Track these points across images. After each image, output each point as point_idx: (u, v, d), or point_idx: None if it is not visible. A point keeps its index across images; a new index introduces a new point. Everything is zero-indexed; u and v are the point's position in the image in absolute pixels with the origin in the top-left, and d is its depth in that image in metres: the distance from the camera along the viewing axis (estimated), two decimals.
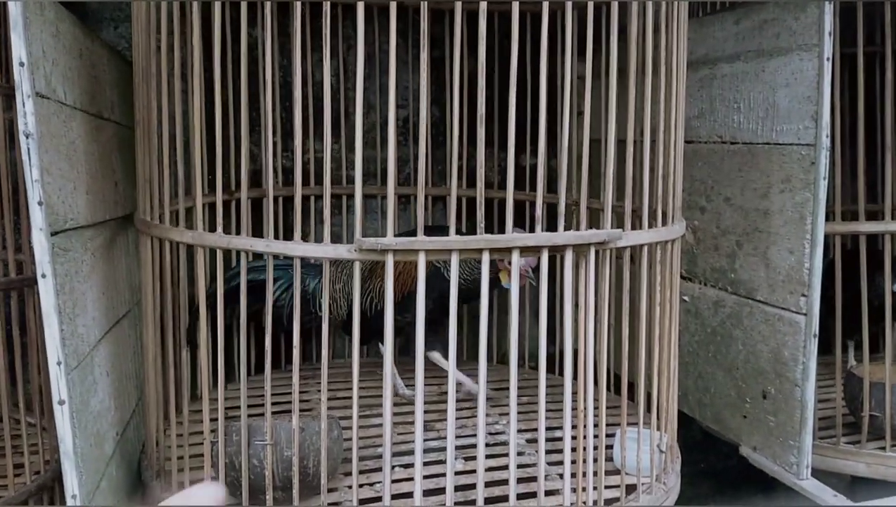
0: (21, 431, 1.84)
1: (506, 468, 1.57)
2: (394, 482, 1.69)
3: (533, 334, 2.44)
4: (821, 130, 1.83)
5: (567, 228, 1.54)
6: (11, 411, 1.84)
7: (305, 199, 2.49)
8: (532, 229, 1.52)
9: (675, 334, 1.85)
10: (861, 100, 2.14)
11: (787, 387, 1.95)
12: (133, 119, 1.78)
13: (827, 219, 1.90)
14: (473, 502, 1.55)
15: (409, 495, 1.56)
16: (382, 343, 2.19)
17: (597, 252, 1.56)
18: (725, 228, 2.16)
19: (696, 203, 2.25)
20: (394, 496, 1.63)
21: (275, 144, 2.47)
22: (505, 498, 1.58)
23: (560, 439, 1.60)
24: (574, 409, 1.55)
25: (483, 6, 1.39)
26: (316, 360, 2.56)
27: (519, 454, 1.81)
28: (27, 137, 1.27)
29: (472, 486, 1.58)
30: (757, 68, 2.02)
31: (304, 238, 1.69)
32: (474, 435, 1.55)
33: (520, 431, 1.89)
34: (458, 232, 1.52)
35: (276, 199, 2.39)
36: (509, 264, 1.49)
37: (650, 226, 1.68)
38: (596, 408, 1.59)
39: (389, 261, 1.45)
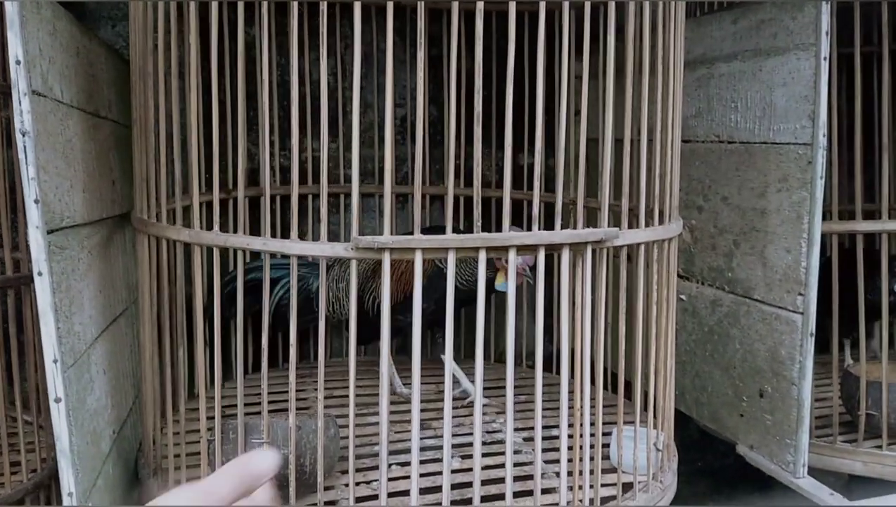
0: (18, 429, 1.84)
1: (502, 466, 1.57)
2: (390, 480, 1.69)
3: (531, 332, 2.45)
4: (818, 129, 1.83)
5: (564, 226, 1.54)
6: (8, 410, 1.84)
7: (304, 198, 2.49)
8: (530, 228, 1.52)
9: (671, 333, 1.85)
10: (858, 100, 2.14)
11: (784, 386, 1.96)
12: (130, 118, 1.78)
13: (824, 218, 1.90)
14: (470, 500, 1.55)
15: (406, 493, 1.56)
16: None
17: (594, 251, 1.56)
18: (723, 227, 2.16)
19: (694, 202, 2.26)
20: (390, 495, 1.64)
21: (272, 142, 2.47)
22: (501, 496, 1.58)
23: (557, 437, 1.60)
24: (570, 407, 1.55)
25: (480, 6, 1.39)
26: (314, 359, 2.56)
27: (516, 452, 1.81)
28: (23, 135, 1.27)
29: (469, 484, 1.58)
30: (754, 68, 2.02)
31: (302, 237, 1.70)
32: (471, 433, 1.55)
33: (517, 429, 1.89)
34: (457, 231, 1.52)
35: (273, 197, 2.39)
36: (506, 262, 1.49)
37: (647, 225, 1.68)
38: (592, 406, 1.59)
39: (386, 259, 1.45)
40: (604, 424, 1.66)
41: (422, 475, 1.59)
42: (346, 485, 1.58)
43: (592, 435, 1.60)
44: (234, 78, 1.61)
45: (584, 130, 1.66)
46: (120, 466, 1.75)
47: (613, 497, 1.70)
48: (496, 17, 2.26)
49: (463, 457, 1.86)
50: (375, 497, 1.67)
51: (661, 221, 1.72)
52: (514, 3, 1.41)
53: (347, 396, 1.51)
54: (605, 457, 1.79)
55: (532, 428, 1.55)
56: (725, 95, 2.13)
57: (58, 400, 1.31)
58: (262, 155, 1.53)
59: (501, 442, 1.94)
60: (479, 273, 1.50)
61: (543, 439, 1.56)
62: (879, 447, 2.06)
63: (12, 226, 1.91)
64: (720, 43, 2.15)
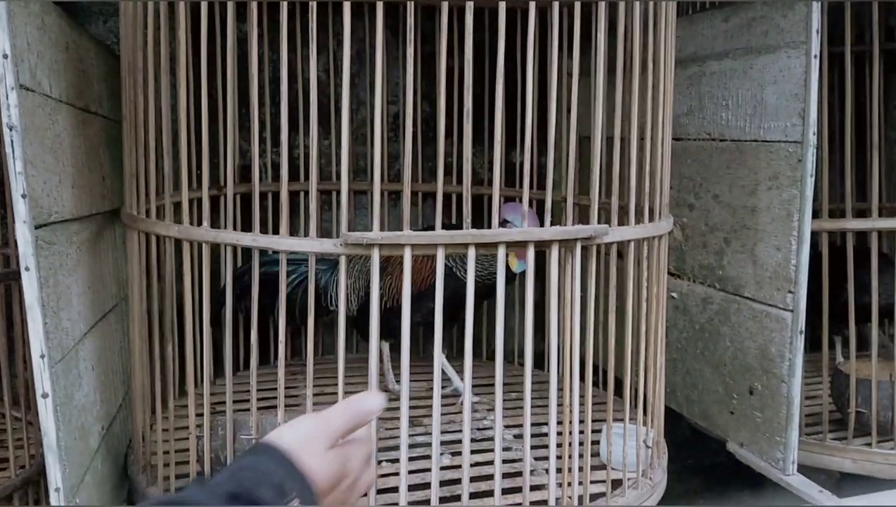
0: (6, 425, 1.83)
1: (492, 463, 1.58)
2: (380, 476, 1.69)
3: (522, 330, 2.45)
4: (808, 127, 1.84)
5: (555, 223, 1.54)
6: None
7: (296, 194, 2.49)
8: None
9: (662, 330, 1.86)
10: (849, 98, 2.15)
11: (774, 383, 1.96)
12: (121, 113, 1.77)
13: (814, 216, 1.91)
14: (459, 497, 1.55)
15: (395, 489, 1.56)
16: (388, 341, 2.20)
17: (583, 248, 1.56)
18: (713, 225, 2.17)
19: (685, 200, 2.26)
20: (380, 491, 1.64)
21: (264, 139, 2.46)
22: (490, 493, 1.58)
23: (547, 434, 1.60)
24: (560, 404, 1.55)
25: (469, 5, 1.39)
26: (306, 355, 2.56)
27: (505, 449, 1.81)
28: (11, 130, 1.27)
29: (458, 481, 1.58)
30: (745, 66, 2.03)
31: (294, 233, 1.69)
32: (461, 430, 1.55)
33: (507, 426, 1.89)
34: (450, 227, 1.52)
35: (266, 194, 2.39)
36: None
37: (637, 222, 1.68)
38: (582, 404, 1.60)
39: (375, 255, 1.45)
40: (594, 421, 1.67)
41: (411, 472, 1.59)
42: None
43: (582, 432, 1.61)
44: (226, 74, 1.60)
45: (575, 127, 1.66)
46: (109, 462, 1.75)
47: (603, 494, 1.70)
48: (488, 13, 2.25)
49: (453, 454, 1.86)
50: (364, 494, 1.67)
51: (651, 219, 1.73)
52: (503, 1, 1.41)
53: (337, 393, 1.51)
54: (595, 454, 1.79)
55: (522, 425, 1.55)
56: (717, 93, 2.14)
57: (45, 395, 1.31)
58: (253, 151, 1.53)
59: (491, 439, 1.94)
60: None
61: (533, 436, 1.56)
62: (869, 444, 2.07)
63: (2, 221, 1.90)
64: (712, 41, 2.15)
